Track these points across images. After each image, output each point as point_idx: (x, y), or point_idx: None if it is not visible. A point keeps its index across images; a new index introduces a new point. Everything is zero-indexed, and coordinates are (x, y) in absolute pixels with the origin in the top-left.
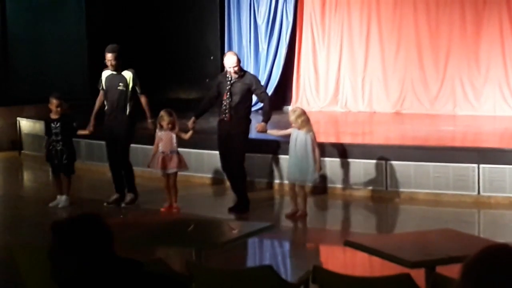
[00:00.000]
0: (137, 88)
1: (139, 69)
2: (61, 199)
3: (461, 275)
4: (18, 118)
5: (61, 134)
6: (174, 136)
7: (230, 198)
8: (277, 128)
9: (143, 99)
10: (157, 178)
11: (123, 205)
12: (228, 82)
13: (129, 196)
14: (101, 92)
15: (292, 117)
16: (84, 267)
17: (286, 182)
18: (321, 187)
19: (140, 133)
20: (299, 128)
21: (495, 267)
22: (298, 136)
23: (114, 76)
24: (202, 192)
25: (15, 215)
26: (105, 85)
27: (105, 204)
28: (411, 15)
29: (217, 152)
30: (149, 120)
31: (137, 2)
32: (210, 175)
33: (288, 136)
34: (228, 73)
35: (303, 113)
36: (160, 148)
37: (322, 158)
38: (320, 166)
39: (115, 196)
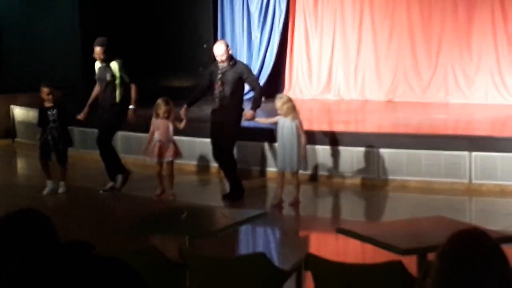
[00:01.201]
0: (125, 78)
1: (132, 58)
2: (51, 185)
3: (436, 261)
4: (12, 106)
5: (59, 120)
6: (170, 124)
7: (223, 186)
8: (269, 116)
9: (132, 88)
10: (150, 166)
11: (115, 189)
12: (220, 71)
13: (119, 178)
14: (97, 82)
15: (278, 104)
16: (26, 267)
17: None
18: (313, 174)
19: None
20: (285, 115)
21: (466, 251)
22: (284, 124)
23: (103, 67)
24: (195, 180)
25: (9, 204)
26: (97, 76)
27: (101, 191)
28: (404, 3)
29: (209, 140)
30: (130, 106)
31: None
32: (202, 163)
33: (275, 124)
34: (219, 61)
35: (289, 100)
36: (157, 137)
37: (314, 146)
38: (305, 154)
39: (110, 184)
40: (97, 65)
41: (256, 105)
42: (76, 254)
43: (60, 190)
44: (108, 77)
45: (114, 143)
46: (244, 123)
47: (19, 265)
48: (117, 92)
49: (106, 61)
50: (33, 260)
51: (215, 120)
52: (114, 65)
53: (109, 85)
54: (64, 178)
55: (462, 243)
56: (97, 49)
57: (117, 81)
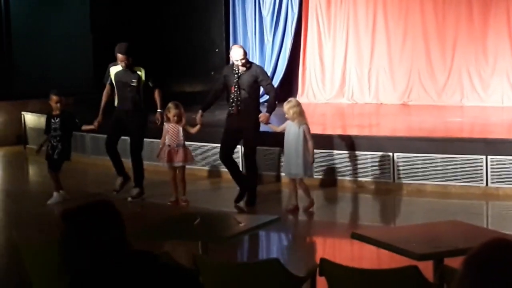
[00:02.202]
0: (150, 83)
1: (143, 62)
2: (57, 197)
3: (463, 267)
4: (23, 113)
5: (60, 129)
6: (180, 129)
7: (236, 191)
8: (283, 121)
9: (157, 92)
10: (163, 171)
11: (129, 199)
12: (236, 75)
13: (135, 190)
14: (108, 87)
15: (285, 108)
16: (98, 257)
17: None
18: (327, 179)
19: (149, 126)
20: (291, 120)
21: (496, 260)
22: (291, 129)
23: (126, 72)
24: (208, 185)
25: (20, 210)
26: (115, 80)
27: (114, 193)
28: (418, 5)
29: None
30: (158, 110)
31: None
32: (215, 169)
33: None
34: (235, 65)
35: (296, 104)
36: (167, 141)
37: (328, 150)
38: (313, 158)
39: (119, 180)
40: (115, 69)
41: (271, 109)
42: (145, 260)
43: (50, 201)
44: (134, 82)
45: (120, 148)
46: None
47: (91, 255)
48: (141, 99)
49: (130, 66)
50: (104, 251)
51: (233, 125)
52: (141, 71)
53: (133, 92)
54: (59, 188)
55: (492, 252)
56: (120, 57)
57: (141, 87)
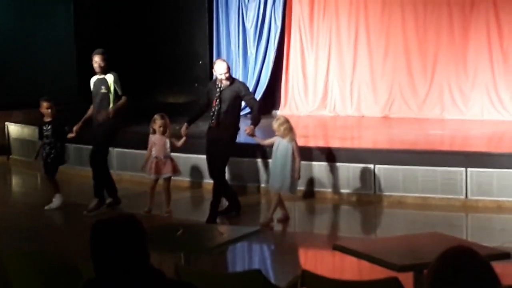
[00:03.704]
0: (118, 90)
1: (127, 73)
2: (62, 199)
3: (427, 278)
4: (6, 123)
5: (52, 136)
6: (167, 140)
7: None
8: (265, 133)
9: (122, 100)
10: (146, 182)
11: (84, 213)
12: (218, 89)
13: (94, 201)
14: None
15: (275, 125)
16: (119, 268)
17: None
18: (309, 191)
19: (123, 136)
20: (282, 136)
21: (456, 269)
22: (280, 144)
23: (99, 80)
24: (190, 196)
25: (3, 220)
26: (92, 89)
27: (84, 213)
28: (399, 20)
29: (204, 157)
30: (110, 109)
31: (126, 6)
32: (197, 180)
33: (272, 145)
34: (218, 80)
35: (286, 121)
36: (154, 153)
37: (310, 162)
38: (299, 175)
39: (108, 200)
40: (93, 79)
41: (255, 121)
42: (157, 274)
43: (47, 206)
44: (103, 89)
45: (109, 160)
46: (241, 139)
47: (116, 263)
48: (111, 106)
49: (104, 72)
50: (129, 262)
51: (211, 138)
52: (110, 77)
53: (103, 98)
54: (57, 191)
55: (452, 260)
56: (96, 58)
57: (111, 94)
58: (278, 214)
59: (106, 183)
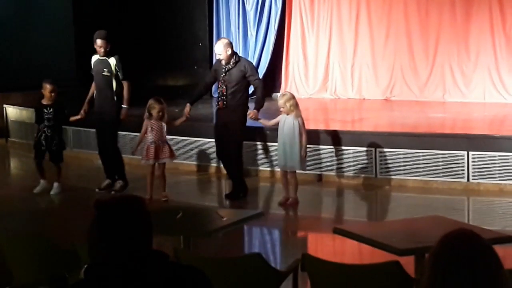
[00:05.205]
0: (119, 74)
1: (127, 56)
2: (44, 185)
3: (428, 261)
4: (5, 105)
5: (53, 120)
6: (164, 125)
7: (219, 185)
8: (267, 116)
9: (125, 85)
10: (143, 166)
11: (112, 192)
12: (223, 70)
13: (118, 184)
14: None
15: (280, 101)
16: (121, 250)
17: (277, 169)
18: (312, 174)
19: (130, 119)
20: (287, 113)
21: (458, 252)
22: (286, 121)
23: (101, 61)
24: (190, 179)
25: (1, 203)
26: (93, 70)
27: (96, 190)
28: (401, 2)
29: (205, 139)
30: (124, 106)
31: None
32: (198, 163)
33: (277, 125)
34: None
35: (292, 97)
36: (151, 138)
37: (314, 146)
38: (306, 152)
39: (106, 182)
40: (94, 58)
41: (259, 105)
42: (163, 258)
43: (53, 191)
44: (106, 72)
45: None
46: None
47: (117, 246)
48: (115, 90)
49: (107, 55)
50: (130, 245)
51: (220, 120)
52: (112, 61)
53: (106, 81)
54: (59, 179)
55: (454, 243)
56: (98, 42)
57: (113, 77)
58: (278, 196)
59: (122, 164)
